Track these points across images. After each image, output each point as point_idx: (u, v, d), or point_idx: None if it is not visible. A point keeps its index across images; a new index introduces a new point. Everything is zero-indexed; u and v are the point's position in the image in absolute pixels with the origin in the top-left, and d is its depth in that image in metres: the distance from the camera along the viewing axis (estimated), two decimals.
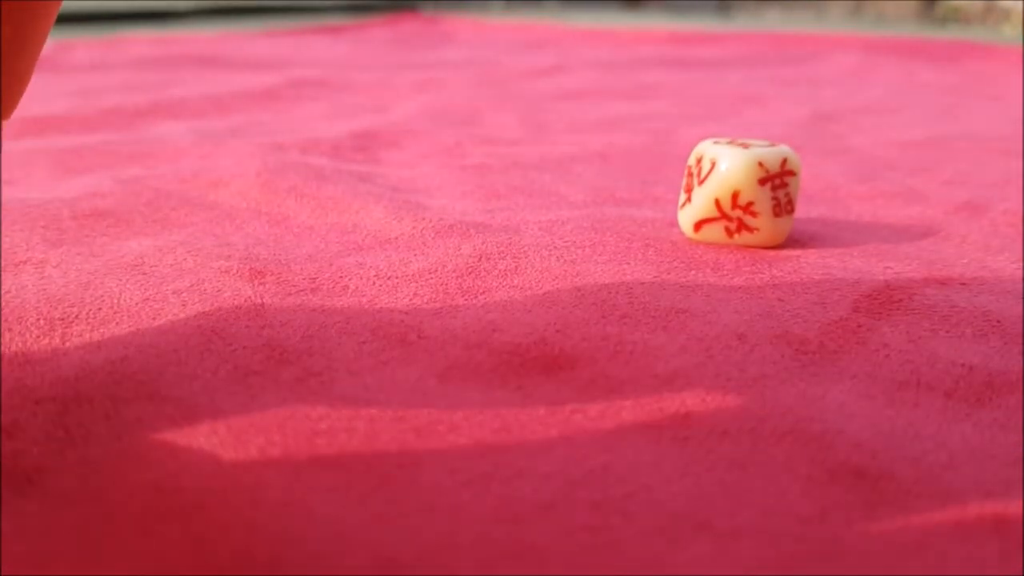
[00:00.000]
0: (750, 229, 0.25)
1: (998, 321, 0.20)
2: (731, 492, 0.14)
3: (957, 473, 0.14)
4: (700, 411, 0.16)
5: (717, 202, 0.25)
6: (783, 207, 0.25)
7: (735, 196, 0.25)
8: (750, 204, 0.25)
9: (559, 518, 0.13)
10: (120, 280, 0.23)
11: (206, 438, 0.15)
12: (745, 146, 0.25)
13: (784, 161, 0.25)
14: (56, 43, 0.75)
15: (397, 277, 0.23)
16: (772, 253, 0.25)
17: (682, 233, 0.27)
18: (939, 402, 0.17)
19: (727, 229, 0.26)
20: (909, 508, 0.13)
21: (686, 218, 0.26)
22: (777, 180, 0.25)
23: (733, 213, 0.25)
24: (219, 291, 0.22)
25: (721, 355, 0.18)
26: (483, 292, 0.22)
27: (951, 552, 0.13)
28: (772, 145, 0.26)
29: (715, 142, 0.26)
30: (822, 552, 0.12)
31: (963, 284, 0.22)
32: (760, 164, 0.25)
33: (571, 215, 0.28)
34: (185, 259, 0.24)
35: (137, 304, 0.21)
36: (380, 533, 0.13)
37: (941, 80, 0.65)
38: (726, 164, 0.25)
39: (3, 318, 0.20)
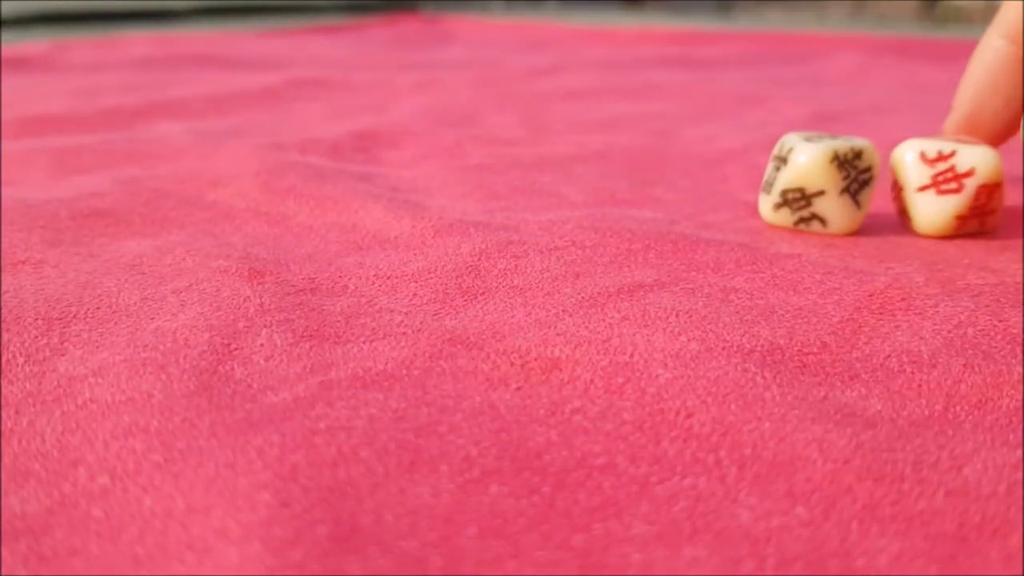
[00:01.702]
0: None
1: (1000, 321, 0.20)
2: (731, 494, 0.14)
3: (958, 474, 0.14)
4: (701, 411, 0.16)
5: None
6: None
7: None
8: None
9: (559, 518, 0.13)
10: (119, 280, 0.22)
11: None
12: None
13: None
14: (54, 43, 0.75)
15: (396, 277, 0.23)
16: (773, 252, 0.25)
17: (682, 232, 0.27)
18: (941, 404, 0.17)
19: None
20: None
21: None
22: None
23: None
24: (218, 291, 0.22)
25: (723, 356, 0.18)
26: (483, 292, 0.22)
27: (958, 551, 0.12)
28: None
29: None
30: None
31: (966, 285, 0.22)
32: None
33: (571, 215, 0.28)
34: (184, 259, 0.24)
35: (136, 304, 0.21)
36: (380, 531, 0.13)
37: (942, 80, 0.65)
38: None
39: (2, 318, 0.20)
